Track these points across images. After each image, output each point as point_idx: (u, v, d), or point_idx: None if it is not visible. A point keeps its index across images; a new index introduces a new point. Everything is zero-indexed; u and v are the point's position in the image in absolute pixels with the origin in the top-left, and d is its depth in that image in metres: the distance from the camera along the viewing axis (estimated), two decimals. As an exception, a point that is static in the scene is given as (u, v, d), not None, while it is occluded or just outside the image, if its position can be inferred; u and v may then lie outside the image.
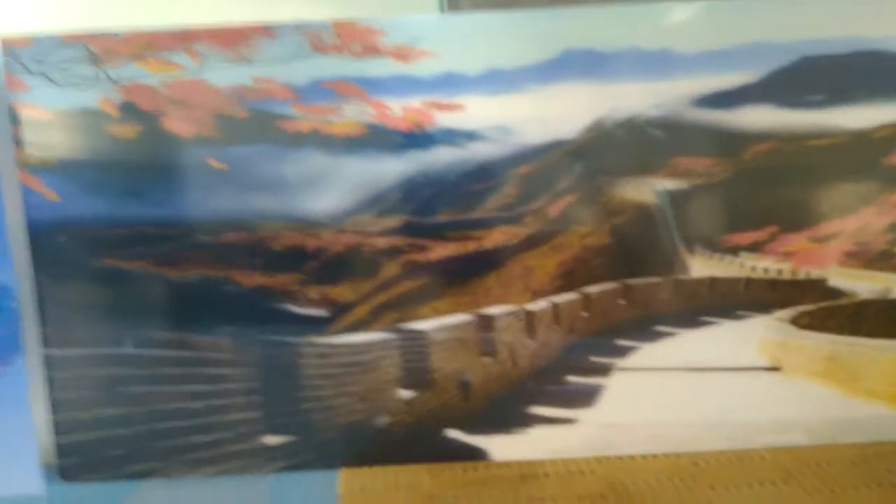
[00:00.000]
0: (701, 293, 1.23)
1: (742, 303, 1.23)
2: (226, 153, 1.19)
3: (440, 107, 1.19)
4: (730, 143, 1.20)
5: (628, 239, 1.22)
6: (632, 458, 1.22)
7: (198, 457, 1.18)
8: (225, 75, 1.17)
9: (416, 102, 1.19)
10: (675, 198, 1.22)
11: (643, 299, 1.23)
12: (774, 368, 1.23)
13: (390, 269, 1.22)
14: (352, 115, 1.19)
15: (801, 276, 1.22)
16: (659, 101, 1.19)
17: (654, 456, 1.22)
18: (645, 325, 1.24)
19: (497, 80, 1.19)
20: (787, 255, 1.23)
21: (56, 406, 1.21)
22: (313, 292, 1.23)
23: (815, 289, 1.22)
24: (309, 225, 1.20)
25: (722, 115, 1.20)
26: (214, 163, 1.19)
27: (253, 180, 1.20)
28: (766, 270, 1.21)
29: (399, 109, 1.19)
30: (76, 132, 1.18)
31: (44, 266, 1.20)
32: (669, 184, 1.22)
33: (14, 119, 1.17)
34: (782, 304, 1.23)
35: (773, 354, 1.22)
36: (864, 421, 1.22)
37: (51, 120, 1.17)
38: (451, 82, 1.18)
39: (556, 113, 1.19)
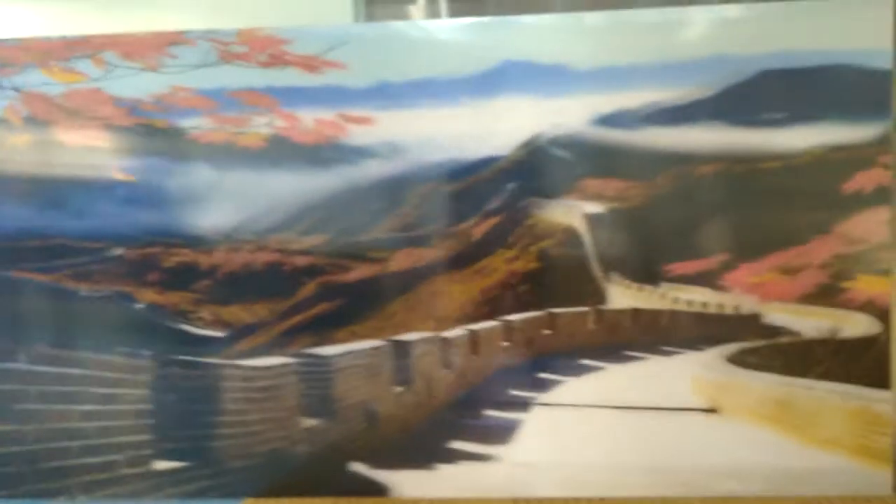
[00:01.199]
0: (624, 325, 1.14)
1: (668, 338, 1.13)
2: (131, 165, 1.15)
3: (352, 120, 1.14)
4: (668, 163, 1.11)
5: (555, 264, 1.14)
6: (550, 501, 1.13)
7: (91, 479, 1.14)
8: (130, 84, 1.14)
9: (328, 115, 1.13)
10: (599, 221, 1.14)
11: (568, 329, 1.15)
12: (711, 410, 1.13)
13: (307, 289, 1.17)
14: (261, 126, 1.14)
15: (737, 310, 1.12)
16: (595, 118, 1.11)
17: (575, 500, 1.13)
18: (569, 358, 1.15)
19: (420, 93, 1.12)
20: (726, 287, 1.12)
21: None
22: (208, 312, 1.17)
23: (749, 324, 1.12)
24: (212, 241, 1.15)
25: (664, 134, 1.11)
26: (119, 174, 1.15)
27: (159, 194, 1.16)
28: (690, 303, 1.12)
29: (310, 122, 1.14)
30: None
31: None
32: (599, 207, 1.13)
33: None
34: (713, 341, 1.13)
35: (709, 394, 1.12)
36: (813, 472, 1.11)
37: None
38: (363, 95, 1.12)
39: (488, 128, 1.12)
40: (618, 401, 1.15)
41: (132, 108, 1.13)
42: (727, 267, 1.12)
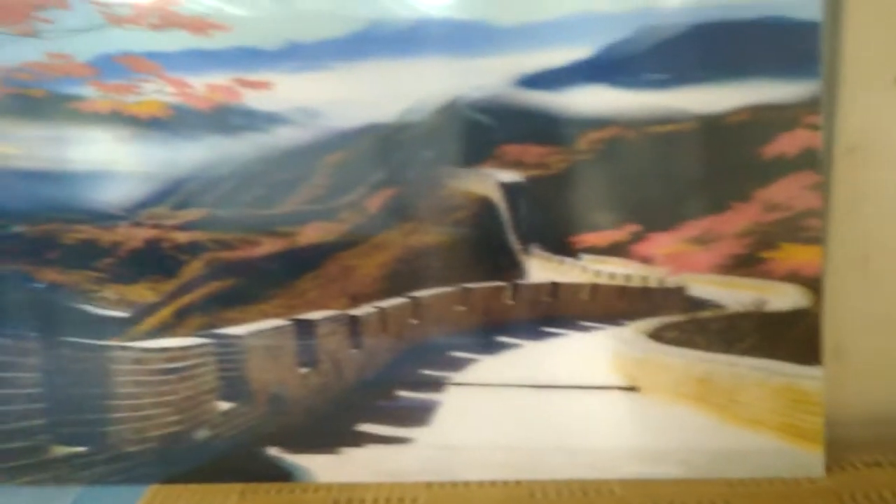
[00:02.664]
0: (542, 300, 1.09)
1: (588, 312, 1.08)
2: (15, 137, 1.09)
3: (247, 84, 1.06)
4: (565, 129, 1.04)
5: (468, 237, 1.08)
6: (466, 484, 1.09)
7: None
8: (5, 51, 1.06)
9: (220, 79, 1.06)
10: (513, 192, 1.07)
11: (483, 305, 1.09)
12: (632, 388, 1.08)
13: (194, 267, 1.11)
14: (151, 94, 1.07)
15: (654, 283, 1.06)
16: (479, 82, 1.04)
17: (491, 483, 1.08)
18: (484, 335, 1.10)
19: (301, 56, 1.05)
20: (645, 259, 1.07)
21: None
22: (110, 291, 1.12)
23: (673, 298, 1.06)
24: (103, 217, 1.09)
25: (552, 98, 1.04)
26: (2, 147, 1.09)
27: (43, 166, 1.09)
28: (612, 276, 1.06)
29: (202, 87, 1.06)
30: None
31: None
32: (505, 175, 1.07)
33: None
34: (635, 315, 1.07)
35: (629, 372, 1.07)
36: (743, 453, 1.06)
37: None
38: (268, 57, 1.05)
39: (400, 91, 1.05)
40: (535, 379, 1.10)
41: (4, 76, 1.06)
42: (640, 238, 1.06)
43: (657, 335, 1.08)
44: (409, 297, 1.10)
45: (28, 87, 1.08)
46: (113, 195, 1.11)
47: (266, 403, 1.13)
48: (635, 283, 1.07)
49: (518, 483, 1.10)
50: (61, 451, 1.14)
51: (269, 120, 1.08)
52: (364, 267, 1.10)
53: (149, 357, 1.13)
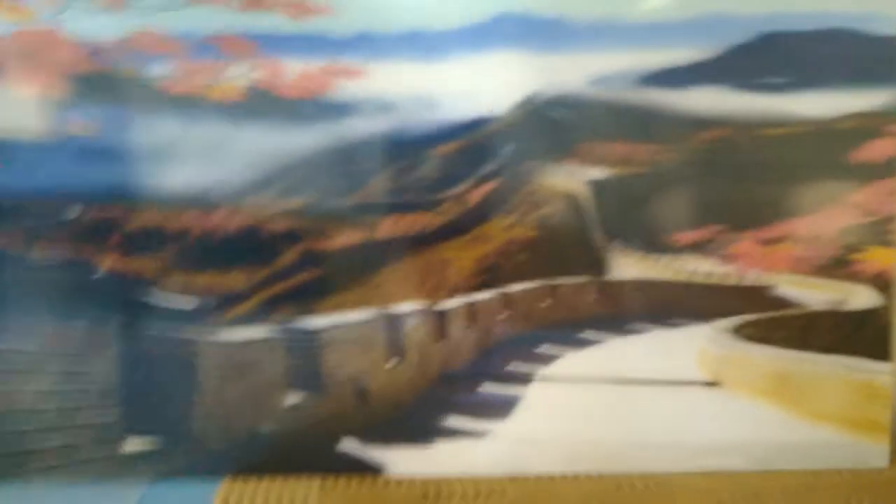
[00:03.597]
0: (631, 297, 1.10)
1: (677, 310, 1.10)
2: (91, 116, 1.04)
3: (344, 72, 1.04)
4: (673, 128, 1.06)
5: (556, 233, 1.09)
6: (549, 478, 1.10)
7: (45, 464, 1.05)
8: (89, 25, 1.01)
9: (314, 67, 1.04)
10: (606, 188, 1.09)
11: (569, 301, 1.10)
12: (713, 384, 1.11)
13: (287, 256, 1.08)
14: (238, 77, 1.04)
15: (744, 282, 1.09)
16: (596, 77, 1.05)
17: (574, 477, 1.10)
18: (570, 331, 1.11)
19: (414, 45, 1.04)
20: (733, 258, 1.10)
21: None
22: (181, 279, 1.08)
23: (760, 297, 1.09)
24: (182, 203, 1.05)
25: (669, 96, 1.05)
26: (77, 127, 1.03)
27: (122, 149, 1.05)
28: (704, 274, 1.09)
29: (294, 73, 1.04)
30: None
31: None
32: (599, 172, 1.08)
33: None
34: (723, 313, 1.10)
35: (712, 368, 1.10)
36: (810, 446, 1.10)
37: None
38: (357, 45, 1.03)
39: (486, 86, 1.04)
40: (618, 375, 1.12)
41: (93, 51, 1.01)
42: (727, 236, 1.09)
43: (739, 332, 1.11)
44: (500, 292, 1.11)
45: (112, 63, 1.03)
46: (184, 180, 1.08)
47: (348, 396, 1.12)
48: (720, 280, 1.10)
49: (601, 476, 1.12)
50: (133, 445, 1.10)
51: (353, 110, 1.06)
52: (458, 260, 1.10)
53: (222, 349, 1.10)
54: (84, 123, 1.06)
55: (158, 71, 1.05)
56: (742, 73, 1.06)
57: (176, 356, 1.09)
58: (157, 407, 1.10)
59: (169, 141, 1.07)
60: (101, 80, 1.05)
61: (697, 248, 1.11)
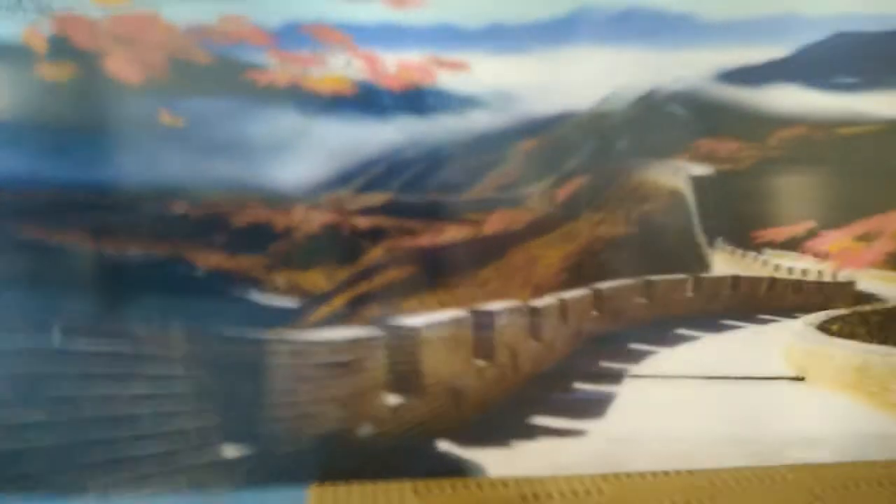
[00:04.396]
0: (723, 294, 1.11)
1: (765, 306, 1.12)
2: (182, 106, 0.99)
3: (443, 64, 1.02)
4: (756, 125, 1.07)
5: (656, 229, 1.09)
6: (642, 475, 1.09)
7: (140, 472, 1.00)
8: (185, 11, 0.97)
9: (414, 57, 1.01)
10: (701, 185, 1.09)
11: (663, 299, 1.10)
12: (799, 378, 1.12)
13: (374, 254, 1.06)
14: (338, 68, 1.01)
15: (828, 278, 1.11)
16: (678, 74, 1.05)
17: (667, 473, 1.10)
18: (663, 328, 1.11)
19: (503, 38, 1.02)
20: (824, 254, 1.11)
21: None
22: (281, 279, 1.05)
23: (844, 292, 1.11)
24: (278, 199, 1.02)
25: (748, 94, 1.06)
26: (168, 117, 0.99)
27: (213, 141, 1.01)
28: (790, 270, 1.10)
29: (393, 64, 1.01)
30: (-8, 70, 0.97)
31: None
32: (696, 169, 1.08)
33: None
34: (808, 308, 1.12)
35: (798, 363, 1.12)
36: (893, 437, 1.13)
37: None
38: (466, 36, 1.01)
39: (599, 80, 1.03)
40: (710, 371, 1.12)
41: (194, 38, 0.97)
42: (815, 234, 1.11)
43: (824, 327, 1.13)
44: (592, 289, 1.10)
45: (206, 50, 0.99)
46: (289, 175, 1.04)
47: (439, 397, 1.10)
48: (810, 277, 1.12)
49: (691, 473, 1.13)
50: (215, 453, 1.05)
51: (461, 102, 1.05)
52: (547, 257, 1.09)
53: (316, 350, 1.07)
54: (175, 112, 1.01)
55: (253, 60, 1.01)
56: (822, 72, 1.08)
57: (274, 357, 1.05)
58: (253, 410, 1.06)
59: (275, 134, 1.03)
60: (197, 70, 1.01)
61: (787, 244, 1.13)
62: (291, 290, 1.07)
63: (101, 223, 1.02)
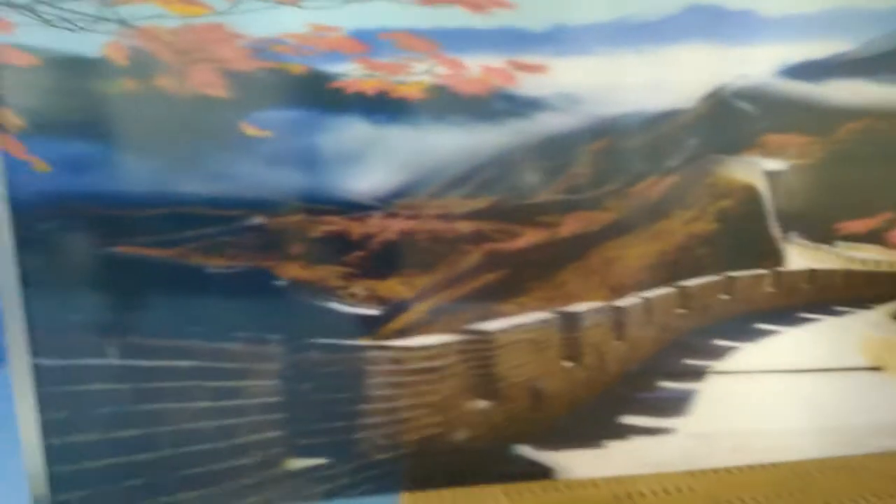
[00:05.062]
0: (800, 287, 1.12)
1: (842, 298, 1.13)
2: (264, 118, 0.98)
3: (524, 67, 1.02)
4: (824, 119, 1.08)
5: (734, 225, 1.09)
6: (729, 470, 1.10)
7: (223, 488, 0.99)
8: (263, 21, 0.96)
9: (496, 61, 1.01)
10: (776, 180, 1.10)
11: (746, 293, 1.11)
12: (876, 368, 1.13)
13: (460, 259, 1.05)
14: (419, 75, 1.00)
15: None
16: (781, 69, 1.06)
17: (753, 467, 1.11)
18: (744, 323, 1.12)
19: (596, 38, 1.02)
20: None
21: (48, 428, 0.99)
22: (359, 287, 1.04)
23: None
24: (356, 208, 1.01)
25: (813, 88, 1.07)
26: (251, 129, 0.98)
27: (294, 151, 1.00)
28: (864, 262, 1.11)
29: (476, 69, 1.01)
30: (73, 85, 0.95)
31: (32, 255, 0.97)
32: (770, 164, 1.09)
33: (-9, 68, 0.93)
34: (884, 299, 1.13)
35: (875, 353, 1.13)
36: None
37: (40, 69, 0.94)
38: (537, 39, 1.01)
39: (667, 78, 1.03)
40: (790, 364, 1.13)
41: (260, 49, 0.96)
42: (893, 224, 1.12)
43: (899, 317, 1.15)
44: (677, 287, 1.11)
45: (286, 61, 0.98)
46: (366, 183, 1.04)
47: (524, 399, 1.10)
48: (885, 268, 1.13)
49: (776, 465, 1.14)
50: (300, 464, 1.05)
51: (535, 105, 1.04)
52: (627, 257, 1.09)
53: (405, 356, 1.06)
54: (260, 125, 1.00)
55: (336, 69, 1.00)
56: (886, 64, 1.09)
57: (351, 365, 1.05)
58: (328, 420, 1.06)
59: (350, 143, 1.02)
60: (275, 80, 1.00)
61: (863, 236, 1.14)
62: (370, 298, 1.06)
63: (183, 238, 1.02)
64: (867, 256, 1.14)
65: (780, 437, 1.15)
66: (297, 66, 0.99)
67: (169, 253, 1.02)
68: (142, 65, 0.97)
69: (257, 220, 1.03)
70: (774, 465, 1.14)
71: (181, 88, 0.96)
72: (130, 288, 1.02)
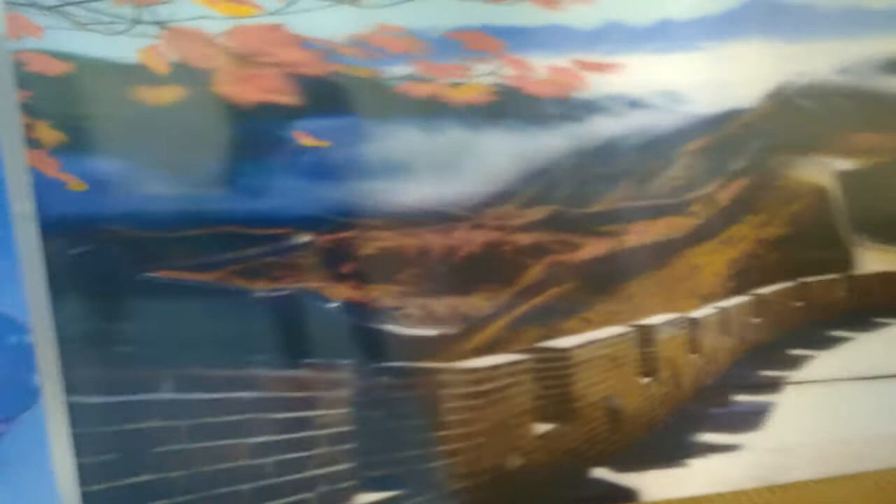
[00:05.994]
0: (874, 291, 1.08)
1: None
2: (320, 126, 0.91)
3: (595, 67, 0.96)
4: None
5: (806, 230, 1.05)
6: (806, 484, 1.06)
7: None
8: (322, 20, 0.88)
9: (564, 61, 0.95)
10: (849, 180, 1.06)
11: (820, 300, 1.07)
12: (951, 372, 1.10)
13: (526, 274, 0.99)
14: (483, 76, 0.93)
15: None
16: (843, 66, 1.01)
17: (830, 479, 1.06)
18: (818, 330, 1.07)
19: (664, 36, 0.97)
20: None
21: (85, 473, 0.90)
22: (416, 307, 0.97)
23: None
24: (408, 223, 0.94)
25: (884, 83, 1.03)
26: (308, 139, 0.90)
27: (355, 162, 0.92)
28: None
29: (544, 70, 0.95)
30: (108, 95, 0.86)
31: (65, 283, 0.87)
32: (844, 164, 1.05)
33: (20, 77, 0.83)
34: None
35: (951, 356, 1.09)
36: None
37: (72, 78, 0.84)
38: (611, 37, 0.95)
39: (734, 77, 0.99)
40: (866, 371, 1.09)
41: (325, 51, 0.88)
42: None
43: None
44: (752, 295, 1.06)
45: (355, 65, 0.91)
46: (419, 195, 0.97)
47: (600, 419, 1.04)
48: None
49: (854, 476, 1.10)
50: (370, 498, 0.98)
51: (610, 107, 0.99)
52: (709, 265, 1.04)
53: (458, 379, 1.00)
54: (315, 135, 0.92)
55: (397, 72, 0.93)
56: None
57: (415, 390, 0.98)
58: (396, 450, 0.98)
59: (408, 152, 0.95)
60: (332, 85, 0.92)
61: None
62: (432, 318, 0.99)
63: (225, 260, 0.93)
64: (941, 258, 1.11)
65: (858, 445, 1.11)
66: (365, 70, 0.92)
67: (210, 276, 0.93)
68: (188, 71, 0.88)
69: (305, 237, 0.95)
70: (855, 476, 1.10)
71: (240, 97, 0.88)
72: (173, 316, 0.93)
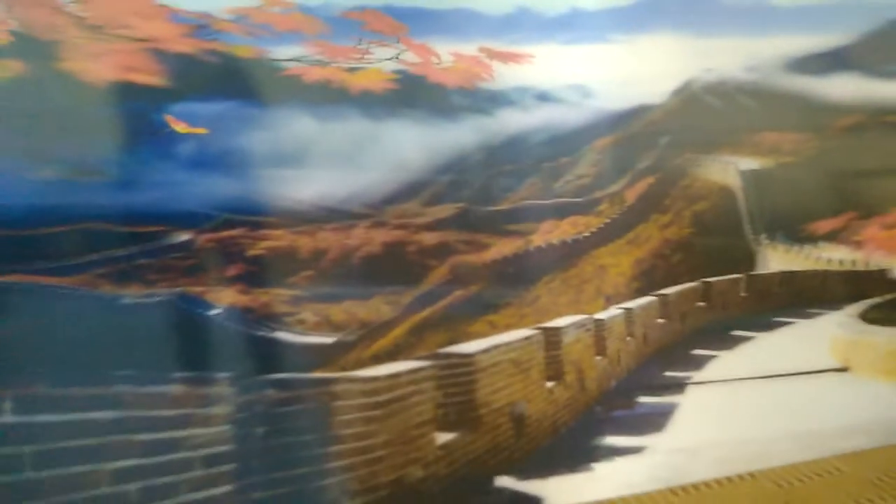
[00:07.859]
0: (773, 291, 1.10)
1: (814, 299, 1.12)
2: (192, 112, 0.80)
3: (503, 56, 0.91)
4: (814, 116, 1.06)
5: (709, 229, 1.04)
6: (708, 485, 1.06)
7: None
8: (200, -8, 0.78)
9: (471, 48, 0.89)
10: (753, 180, 1.06)
11: (722, 299, 1.07)
12: (843, 369, 1.14)
13: (430, 275, 0.93)
14: (384, 61, 0.86)
15: (870, 267, 1.13)
16: (750, 63, 1.01)
17: (731, 480, 1.07)
18: (720, 330, 1.08)
19: (576, 26, 0.92)
20: (861, 244, 1.12)
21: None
22: (309, 312, 0.89)
23: (883, 280, 1.14)
24: (301, 220, 0.86)
25: (813, 83, 1.04)
26: (182, 126, 0.80)
27: (229, 153, 0.83)
28: (840, 262, 1.11)
29: (449, 57, 0.89)
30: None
31: None
32: (748, 163, 1.05)
33: None
34: (851, 298, 1.13)
35: (843, 354, 1.13)
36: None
37: None
38: (521, 24, 0.90)
39: (643, 71, 0.96)
40: (764, 370, 1.11)
41: (198, 25, 0.79)
42: (857, 224, 1.12)
43: (864, 316, 1.16)
44: (657, 295, 1.05)
45: (235, 43, 0.81)
46: (315, 191, 0.89)
47: (503, 426, 1.00)
48: (850, 267, 1.13)
49: (754, 476, 1.11)
50: (257, 521, 0.90)
51: (517, 100, 0.94)
52: (616, 265, 1.02)
53: (353, 390, 0.93)
54: (190, 121, 0.82)
55: (286, 53, 0.84)
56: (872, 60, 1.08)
57: (306, 403, 0.90)
58: (283, 469, 0.91)
59: (300, 142, 0.87)
60: (207, 65, 0.82)
61: (833, 236, 1.13)
62: (328, 324, 0.92)
63: (91, 262, 0.82)
64: (836, 257, 1.13)
65: (756, 444, 1.12)
66: (245, 49, 0.82)
67: (71, 280, 0.82)
68: (33, 43, 0.75)
69: (183, 236, 0.84)
70: (753, 475, 1.11)
71: (94, 74, 0.76)
72: (20, 327, 0.81)
